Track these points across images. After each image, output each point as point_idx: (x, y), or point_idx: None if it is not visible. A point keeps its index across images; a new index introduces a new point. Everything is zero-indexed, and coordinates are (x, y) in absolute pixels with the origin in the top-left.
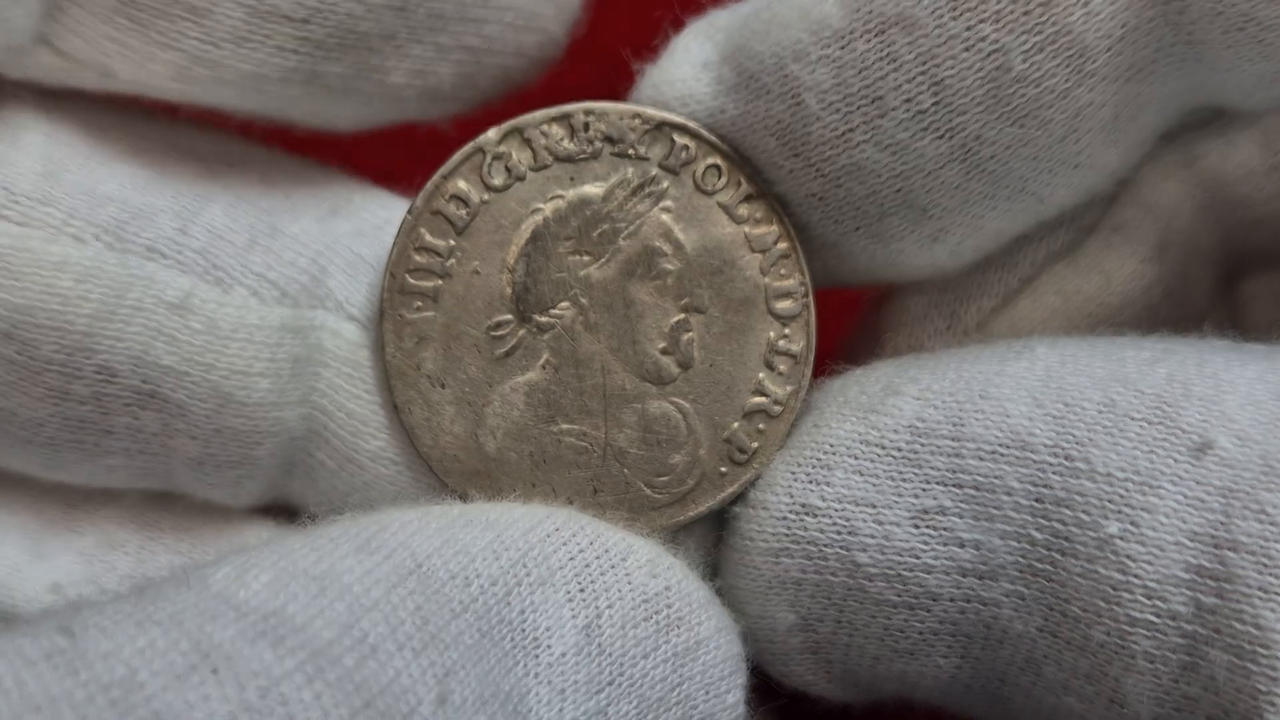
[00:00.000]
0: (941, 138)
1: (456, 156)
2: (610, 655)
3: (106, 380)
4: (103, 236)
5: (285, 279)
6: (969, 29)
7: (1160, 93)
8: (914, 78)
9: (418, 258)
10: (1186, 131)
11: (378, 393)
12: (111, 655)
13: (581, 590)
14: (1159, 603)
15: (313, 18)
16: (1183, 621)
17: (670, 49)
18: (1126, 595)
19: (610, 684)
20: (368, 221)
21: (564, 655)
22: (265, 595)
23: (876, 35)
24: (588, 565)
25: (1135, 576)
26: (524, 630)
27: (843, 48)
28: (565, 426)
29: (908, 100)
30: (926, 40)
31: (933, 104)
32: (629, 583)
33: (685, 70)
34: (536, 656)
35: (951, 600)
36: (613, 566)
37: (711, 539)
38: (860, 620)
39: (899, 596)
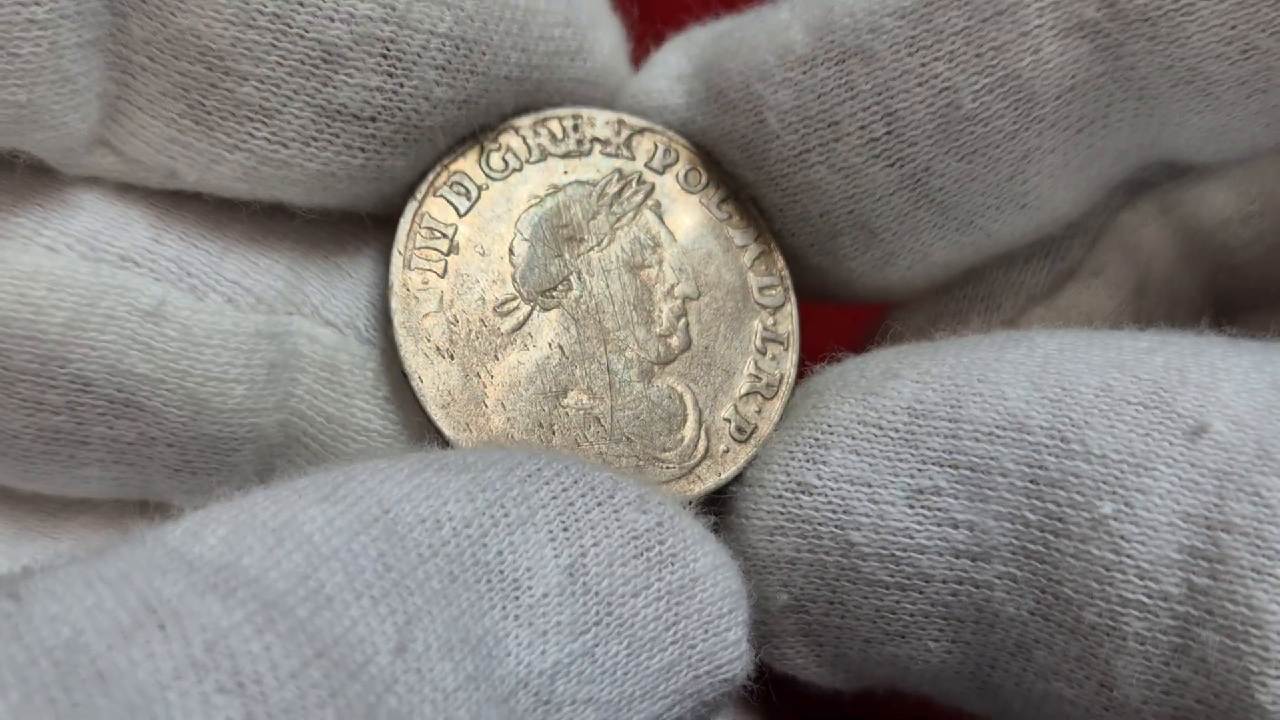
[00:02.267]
0: (892, 165)
1: (458, 148)
2: (596, 594)
3: (81, 389)
4: (75, 246)
5: (261, 285)
6: (923, 66)
7: (1113, 146)
8: (869, 107)
9: (424, 235)
10: (1163, 180)
11: (356, 396)
12: (58, 618)
13: (565, 529)
14: (1151, 584)
15: (379, 115)
16: (1174, 603)
17: (651, 60)
18: (1119, 576)
19: (597, 624)
20: (345, 230)
21: (545, 596)
22: (220, 549)
23: (837, 64)
24: (571, 504)
25: (1128, 557)
26: (501, 572)
27: (805, 72)
28: (570, 402)
29: (862, 127)
30: (883, 73)
31: (885, 133)
32: (616, 520)
33: (662, 82)
34: (516, 599)
35: (944, 582)
36: (599, 504)
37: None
38: (852, 601)
39: (891, 577)
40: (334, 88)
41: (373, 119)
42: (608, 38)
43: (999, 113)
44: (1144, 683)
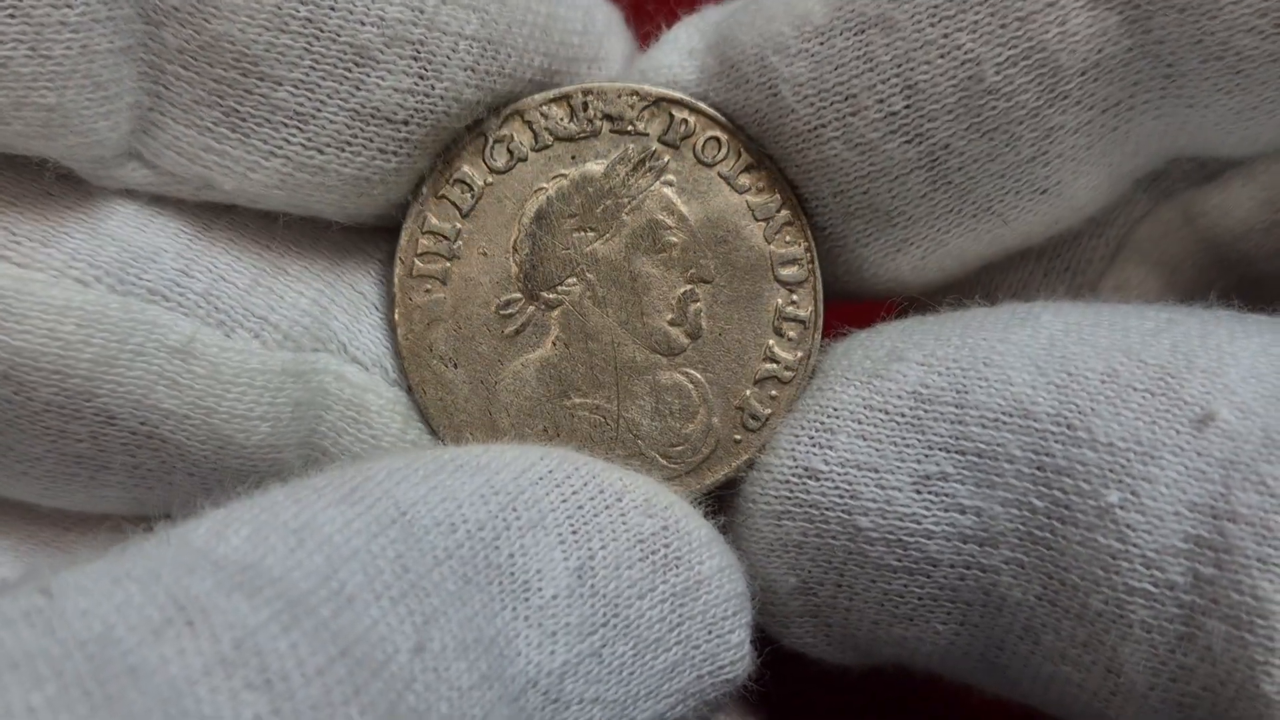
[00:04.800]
0: (910, 142)
1: (460, 141)
2: (604, 596)
3: (105, 422)
4: (105, 279)
5: (288, 321)
6: (946, 36)
7: (1138, 132)
8: (888, 79)
9: (425, 241)
10: (1186, 188)
11: (383, 439)
12: (89, 613)
13: (574, 532)
14: (1157, 572)
15: (412, 118)
16: (1180, 591)
17: (662, 38)
18: (1125, 564)
19: (604, 625)
20: (372, 255)
21: (555, 598)
22: (244, 549)
23: (856, 34)
24: (580, 507)
25: (1134, 545)
26: (512, 574)
27: (822, 43)
28: (578, 400)
29: (880, 101)
30: (904, 43)
31: (904, 107)
32: (623, 523)
33: (672, 58)
34: (526, 600)
35: (951, 566)
36: (607, 507)
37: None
38: (860, 584)
39: (899, 561)
40: (367, 90)
41: (405, 122)
42: (620, 46)
43: (1022, 87)
44: (1150, 669)
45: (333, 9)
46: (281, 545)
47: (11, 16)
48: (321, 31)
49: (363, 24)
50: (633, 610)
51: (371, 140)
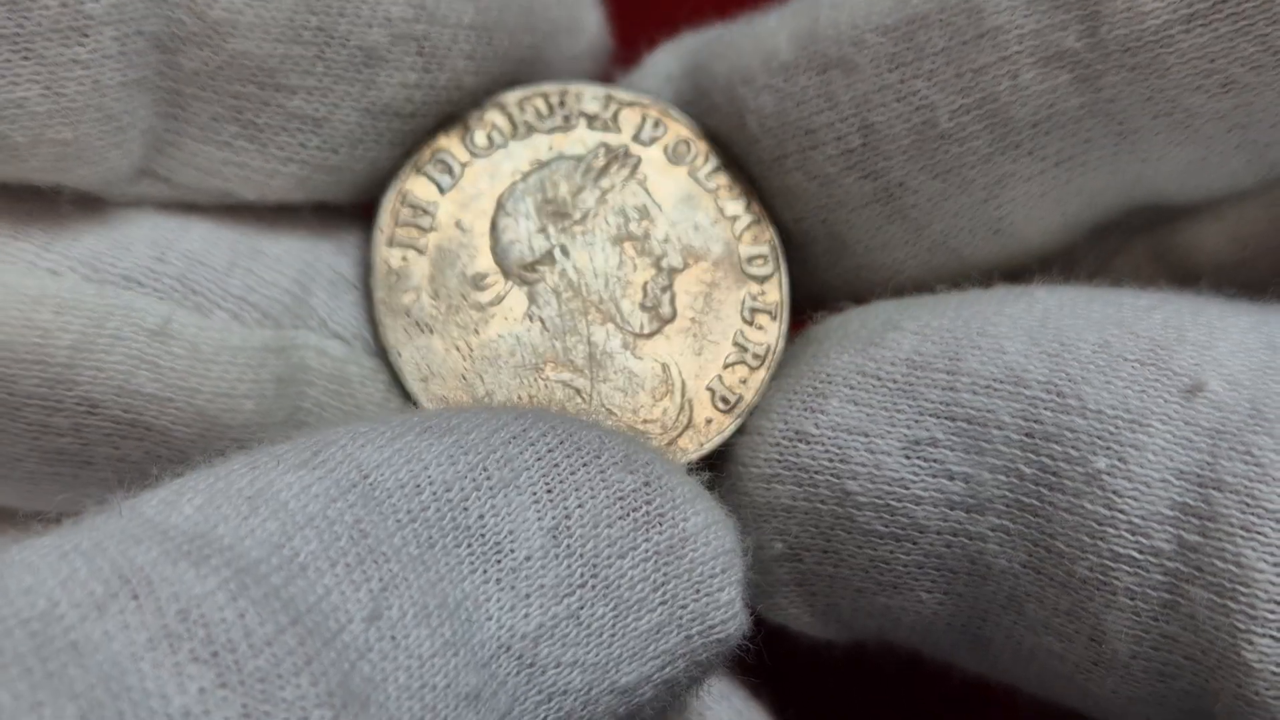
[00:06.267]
0: (866, 178)
1: (443, 126)
2: (580, 556)
3: (88, 411)
4: (79, 269)
5: (266, 300)
6: (903, 82)
7: (1092, 185)
8: (847, 118)
9: (405, 212)
10: (1154, 225)
11: (367, 408)
12: (33, 589)
13: (549, 491)
14: (1143, 539)
15: (419, 111)
16: (1165, 558)
17: (643, 63)
18: (1111, 530)
19: (582, 586)
20: (348, 239)
21: (528, 559)
22: (195, 518)
23: (819, 73)
24: (556, 465)
25: (1120, 512)
26: (482, 536)
27: (786, 79)
28: (551, 374)
29: (838, 138)
30: (863, 85)
31: (861, 144)
32: (602, 480)
33: (650, 83)
34: (497, 562)
35: (938, 533)
36: (584, 464)
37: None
38: (847, 550)
39: (886, 527)
40: (377, 89)
41: (413, 114)
42: (593, 13)
43: (975, 134)
44: (1133, 638)
45: (341, 15)
46: (234, 513)
47: (25, 58)
48: (332, 38)
49: (370, 26)
50: (612, 570)
51: (383, 135)
